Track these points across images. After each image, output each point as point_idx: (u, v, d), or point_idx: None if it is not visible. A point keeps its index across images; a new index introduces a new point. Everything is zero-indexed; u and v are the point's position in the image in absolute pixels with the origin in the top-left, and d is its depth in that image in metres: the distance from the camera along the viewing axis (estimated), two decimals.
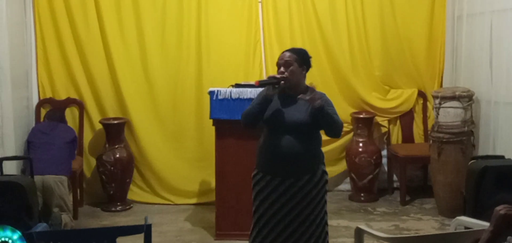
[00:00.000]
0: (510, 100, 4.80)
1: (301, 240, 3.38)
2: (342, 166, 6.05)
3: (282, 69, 3.39)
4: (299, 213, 3.37)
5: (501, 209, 2.20)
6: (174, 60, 5.84)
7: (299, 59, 3.43)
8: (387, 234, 4.69)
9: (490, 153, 5.02)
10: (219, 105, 4.58)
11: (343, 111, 5.98)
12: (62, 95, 5.71)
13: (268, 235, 3.41)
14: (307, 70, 3.50)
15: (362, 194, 5.84)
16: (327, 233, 3.51)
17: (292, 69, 3.39)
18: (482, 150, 5.23)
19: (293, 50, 3.49)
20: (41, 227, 2.96)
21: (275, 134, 3.39)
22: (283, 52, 3.47)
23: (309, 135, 3.41)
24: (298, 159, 3.36)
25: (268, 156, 3.42)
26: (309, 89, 3.37)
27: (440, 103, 5.30)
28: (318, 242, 3.42)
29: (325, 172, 3.49)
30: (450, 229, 3.46)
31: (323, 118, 3.33)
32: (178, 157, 5.87)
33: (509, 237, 2.22)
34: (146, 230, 3.07)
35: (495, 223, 2.19)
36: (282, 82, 3.34)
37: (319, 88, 5.78)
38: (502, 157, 4.72)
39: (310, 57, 3.52)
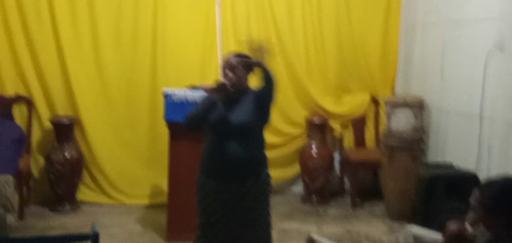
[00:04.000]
0: (460, 110, 4.93)
1: None
2: (296, 169, 6.08)
3: (230, 74, 3.37)
4: (244, 217, 3.39)
5: (453, 225, 2.24)
6: (128, 58, 5.71)
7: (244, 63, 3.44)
8: (338, 239, 4.78)
9: (439, 160, 5.15)
10: (174, 108, 4.52)
11: (298, 114, 6.05)
12: (9, 91, 5.50)
13: (212, 240, 3.41)
14: (250, 72, 3.50)
15: (314, 197, 5.89)
16: (270, 236, 3.54)
17: (239, 74, 3.40)
18: (431, 157, 5.35)
19: (238, 54, 3.48)
20: None
21: (222, 139, 3.38)
22: (229, 56, 3.47)
23: (255, 138, 3.43)
24: (245, 163, 3.37)
25: (216, 162, 3.41)
26: (249, 90, 3.45)
27: (391, 110, 5.39)
28: None
29: (268, 175, 3.53)
30: (400, 239, 3.52)
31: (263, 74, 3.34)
32: (130, 157, 5.77)
33: None
34: (92, 238, 2.95)
35: (447, 240, 2.23)
36: (231, 88, 3.33)
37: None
38: (450, 164, 4.86)
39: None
